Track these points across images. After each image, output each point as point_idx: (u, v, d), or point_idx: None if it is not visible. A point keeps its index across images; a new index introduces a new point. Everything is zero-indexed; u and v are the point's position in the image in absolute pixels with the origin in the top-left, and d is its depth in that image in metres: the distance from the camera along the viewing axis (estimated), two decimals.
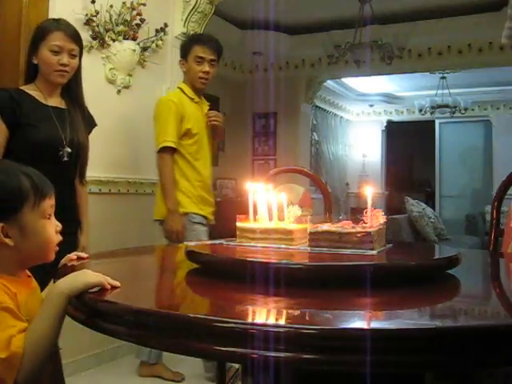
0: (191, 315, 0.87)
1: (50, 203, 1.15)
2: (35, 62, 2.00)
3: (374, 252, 1.16)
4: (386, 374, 0.95)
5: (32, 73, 2.04)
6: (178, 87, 2.80)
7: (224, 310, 0.95)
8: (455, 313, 0.99)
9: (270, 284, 1.00)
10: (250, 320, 0.88)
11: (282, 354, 0.75)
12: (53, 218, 1.16)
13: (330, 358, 0.75)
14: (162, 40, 3.26)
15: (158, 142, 2.65)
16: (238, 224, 1.33)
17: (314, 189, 4.18)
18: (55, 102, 2.06)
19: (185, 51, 2.77)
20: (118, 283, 1.02)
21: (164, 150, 2.62)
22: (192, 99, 2.75)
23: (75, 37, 2.03)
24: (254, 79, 6.10)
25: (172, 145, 2.62)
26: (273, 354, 0.76)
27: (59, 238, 1.18)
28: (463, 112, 7.63)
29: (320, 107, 7.82)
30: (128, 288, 1.15)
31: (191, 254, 1.23)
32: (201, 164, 2.72)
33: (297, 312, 0.93)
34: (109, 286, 1.01)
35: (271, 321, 0.88)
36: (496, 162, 8.06)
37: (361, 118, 9.34)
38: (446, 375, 1.48)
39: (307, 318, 0.92)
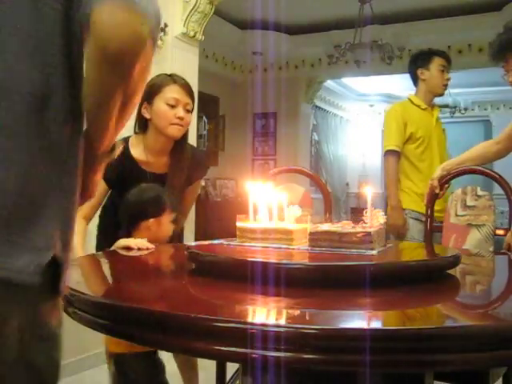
0: (191, 315, 0.87)
1: None
2: (147, 116, 1.95)
3: (374, 252, 1.16)
4: (386, 373, 0.95)
5: (143, 127, 2.00)
6: (408, 98, 3.12)
7: (224, 309, 0.95)
8: (455, 313, 0.99)
9: (270, 284, 1.00)
10: (249, 320, 0.88)
11: (282, 354, 0.75)
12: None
13: (330, 357, 0.76)
14: (161, 40, 3.26)
15: (383, 146, 3.02)
16: (238, 224, 1.33)
17: (314, 189, 4.18)
18: (158, 163, 2.00)
19: (425, 61, 3.08)
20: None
21: (387, 153, 2.96)
22: (418, 106, 3.03)
23: (190, 92, 2.00)
24: (254, 79, 6.10)
25: (393, 148, 2.94)
26: (273, 353, 0.76)
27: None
28: (463, 112, 7.63)
29: (320, 107, 7.81)
30: (128, 288, 1.15)
31: (191, 254, 1.23)
32: (426, 165, 2.95)
33: (297, 312, 0.93)
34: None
35: (271, 321, 0.88)
36: (496, 162, 8.05)
37: (361, 117, 9.34)
38: (446, 375, 1.48)
39: (307, 318, 0.92)
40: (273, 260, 1.15)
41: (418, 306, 1.00)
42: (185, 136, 2.02)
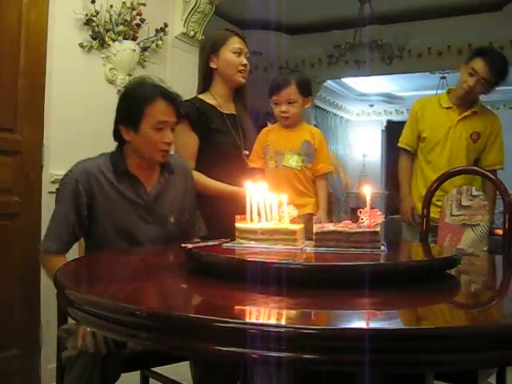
0: (191, 315, 0.87)
1: None
2: (214, 66, 2.21)
3: (378, 251, 1.17)
4: (386, 374, 0.95)
5: (207, 81, 2.25)
6: (440, 93, 2.97)
7: (224, 309, 0.94)
8: (455, 313, 0.99)
9: (270, 284, 1.00)
10: (250, 320, 0.88)
11: (282, 354, 0.75)
12: None
13: (329, 357, 0.75)
14: (161, 40, 3.25)
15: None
16: (237, 225, 1.32)
17: None
18: (228, 108, 2.26)
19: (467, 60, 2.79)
20: None
21: (400, 149, 3.00)
22: (440, 105, 2.84)
23: (246, 43, 2.26)
24: (254, 79, 6.09)
25: (401, 145, 2.97)
26: (273, 353, 0.76)
27: None
28: None
29: (320, 107, 7.82)
30: (128, 288, 1.15)
31: (191, 254, 1.23)
32: (429, 167, 2.82)
33: (297, 312, 0.93)
34: None
35: (271, 321, 0.88)
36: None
37: (361, 118, 9.34)
38: (446, 375, 1.48)
39: (307, 318, 0.92)
40: (273, 260, 1.15)
41: (418, 305, 1.00)
42: (244, 84, 2.27)
